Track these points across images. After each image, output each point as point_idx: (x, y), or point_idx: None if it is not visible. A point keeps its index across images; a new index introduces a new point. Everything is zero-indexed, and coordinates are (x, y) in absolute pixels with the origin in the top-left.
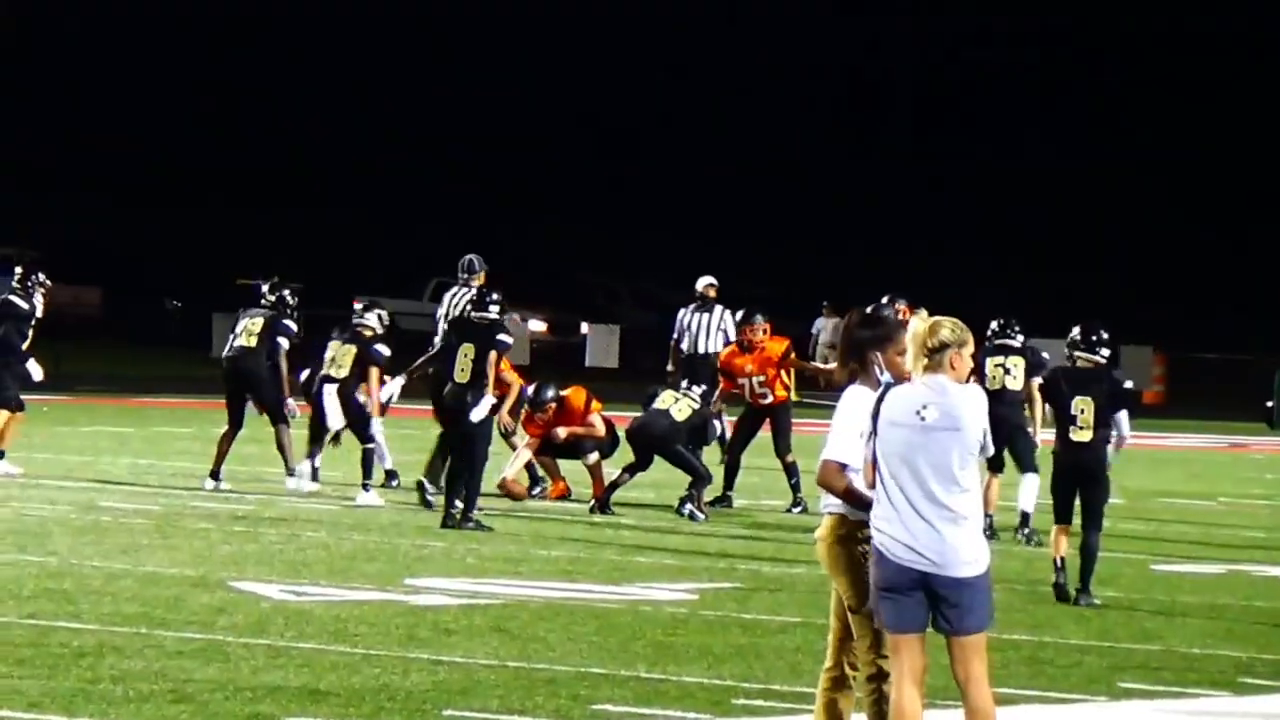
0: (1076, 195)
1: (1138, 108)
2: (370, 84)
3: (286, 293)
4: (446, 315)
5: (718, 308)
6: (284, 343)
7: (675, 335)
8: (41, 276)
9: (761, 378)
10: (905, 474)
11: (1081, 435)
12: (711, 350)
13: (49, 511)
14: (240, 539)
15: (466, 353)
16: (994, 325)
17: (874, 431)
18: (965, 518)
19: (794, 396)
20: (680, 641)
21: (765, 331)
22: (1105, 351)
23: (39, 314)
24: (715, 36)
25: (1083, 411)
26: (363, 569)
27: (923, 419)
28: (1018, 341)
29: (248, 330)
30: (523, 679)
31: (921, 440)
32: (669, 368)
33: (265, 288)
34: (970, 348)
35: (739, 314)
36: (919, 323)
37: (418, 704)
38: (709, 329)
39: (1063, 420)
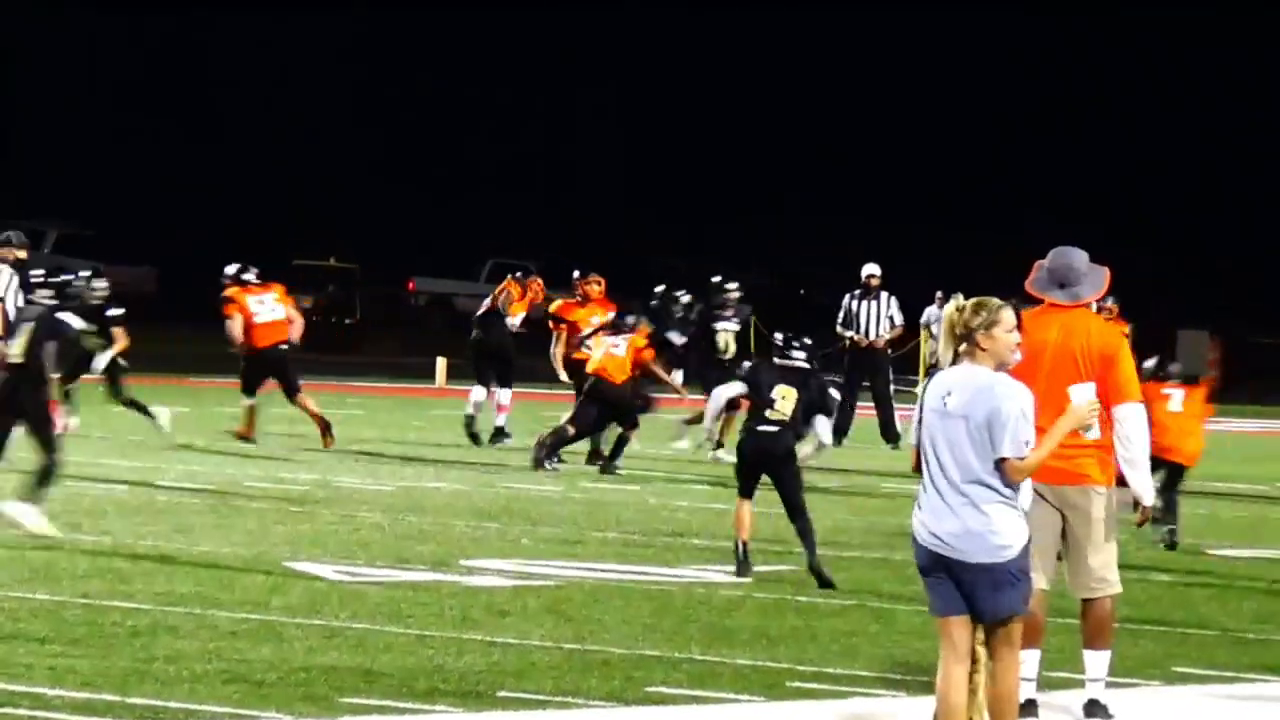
0: (1131, 176)
1: (1187, 81)
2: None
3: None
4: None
5: (883, 294)
6: None
7: (841, 318)
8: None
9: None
10: (932, 457)
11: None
12: (880, 335)
13: (103, 490)
14: (294, 519)
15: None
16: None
17: (919, 417)
18: (986, 504)
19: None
20: (734, 624)
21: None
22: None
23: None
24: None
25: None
26: (417, 550)
27: (945, 405)
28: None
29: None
30: (577, 661)
31: (941, 425)
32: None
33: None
34: (1001, 327)
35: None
36: (951, 308)
37: (472, 685)
38: (877, 316)
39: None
